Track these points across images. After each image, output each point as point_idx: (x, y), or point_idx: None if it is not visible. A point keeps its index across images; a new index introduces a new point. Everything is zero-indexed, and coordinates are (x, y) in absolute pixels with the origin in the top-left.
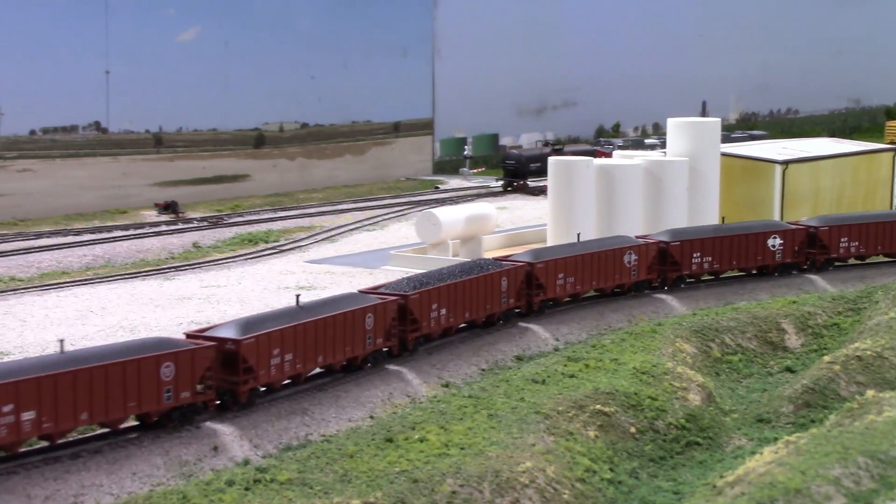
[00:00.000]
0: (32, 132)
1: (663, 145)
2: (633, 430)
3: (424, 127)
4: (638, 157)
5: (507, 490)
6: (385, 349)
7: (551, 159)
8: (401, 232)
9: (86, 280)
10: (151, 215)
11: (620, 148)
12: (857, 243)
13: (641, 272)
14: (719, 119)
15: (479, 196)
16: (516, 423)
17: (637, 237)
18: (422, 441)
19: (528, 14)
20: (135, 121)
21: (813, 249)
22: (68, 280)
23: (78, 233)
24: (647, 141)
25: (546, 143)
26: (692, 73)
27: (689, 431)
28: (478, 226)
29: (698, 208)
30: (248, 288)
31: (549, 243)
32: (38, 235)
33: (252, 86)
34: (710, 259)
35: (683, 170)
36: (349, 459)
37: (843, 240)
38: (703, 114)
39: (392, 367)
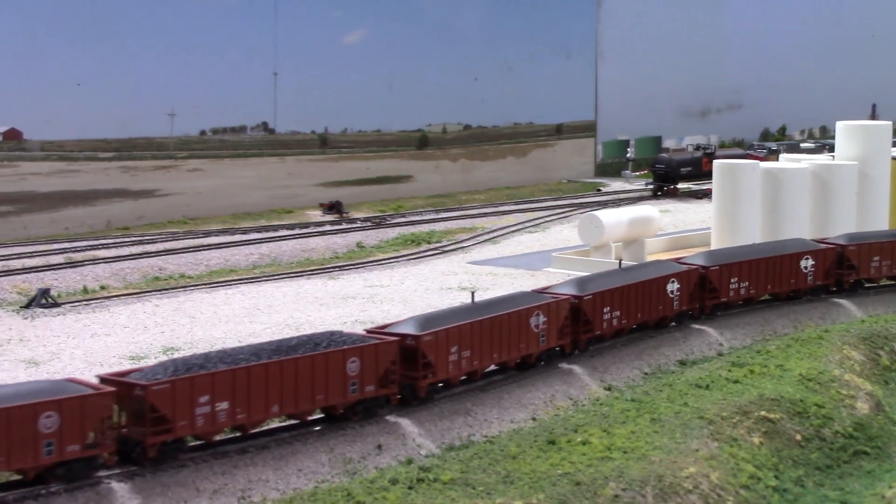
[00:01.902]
0: (202, 132)
1: (822, 149)
2: (798, 437)
3: (587, 129)
4: (805, 161)
5: (671, 495)
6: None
7: (716, 162)
8: (562, 234)
9: (253, 278)
10: (316, 215)
11: (773, 152)
12: None
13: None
14: (890, 122)
15: (640, 199)
16: (679, 428)
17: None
18: (584, 444)
19: (691, 15)
20: (301, 122)
21: None
22: (236, 278)
23: (245, 232)
24: (804, 145)
25: (697, 147)
26: (862, 74)
27: (856, 440)
28: (641, 228)
29: (868, 213)
30: (410, 288)
31: (714, 247)
32: (207, 234)
33: (416, 87)
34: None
35: (852, 174)
36: (511, 460)
37: None
38: (873, 117)
39: (564, 365)
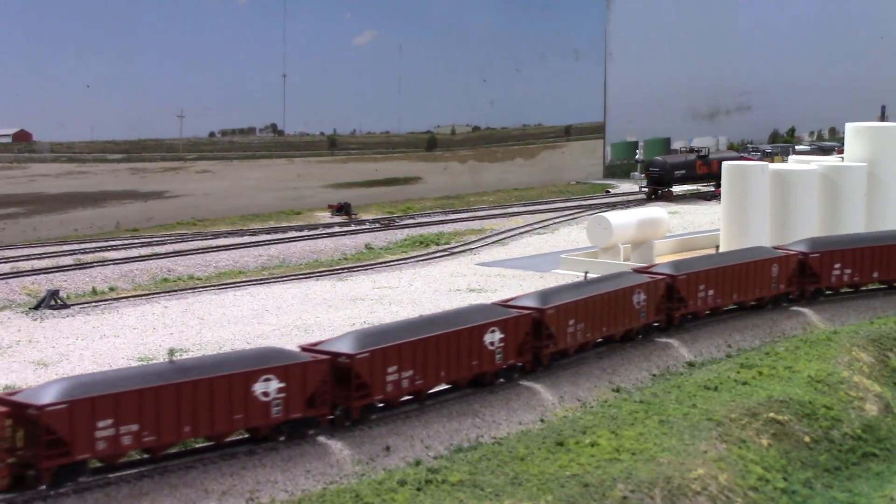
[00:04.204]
0: (211, 134)
1: (816, 151)
2: (807, 439)
3: (596, 131)
4: (814, 163)
5: (679, 497)
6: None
7: (725, 164)
8: (571, 235)
9: (261, 279)
10: (325, 216)
11: (767, 155)
12: None
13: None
14: None
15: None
16: (688, 430)
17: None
18: (593, 445)
19: (701, 17)
20: (310, 123)
21: None
22: (244, 279)
23: (254, 233)
24: (799, 147)
25: (691, 150)
26: (871, 75)
27: (865, 442)
28: (650, 230)
29: (877, 215)
30: (419, 289)
31: (723, 249)
32: (216, 235)
33: (425, 89)
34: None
35: (862, 176)
36: (520, 462)
37: None
38: (882, 118)
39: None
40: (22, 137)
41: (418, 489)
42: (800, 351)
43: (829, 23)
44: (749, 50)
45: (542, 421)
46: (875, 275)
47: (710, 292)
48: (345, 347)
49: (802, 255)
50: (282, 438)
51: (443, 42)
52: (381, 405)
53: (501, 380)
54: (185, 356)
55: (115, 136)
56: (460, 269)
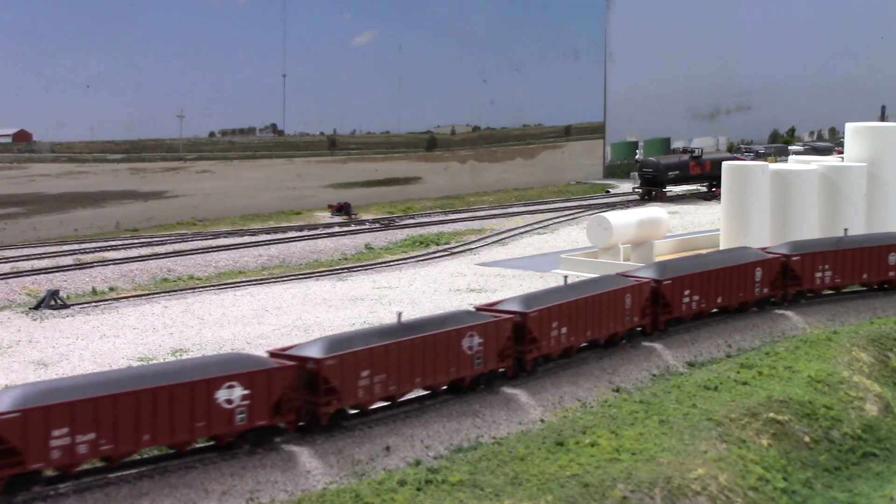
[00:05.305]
0: (211, 134)
1: (810, 152)
2: (807, 439)
3: (596, 130)
4: (814, 163)
5: (679, 497)
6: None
7: (725, 164)
8: (571, 235)
9: (261, 280)
10: (325, 216)
11: (760, 155)
12: None
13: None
14: None
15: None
16: (688, 430)
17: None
18: (593, 445)
19: (701, 17)
20: (310, 123)
21: None
22: (244, 279)
23: (254, 233)
24: (792, 147)
25: (684, 151)
26: (871, 75)
27: (865, 442)
28: (649, 230)
29: (877, 215)
30: (419, 289)
31: (722, 248)
32: (216, 235)
33: (425, 89)
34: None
35: (862, 176)
36: (520, 462)
37: None
38: (882, 118)
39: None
40: (22, 137)
41: (418, 489)
42: (800, 351)
43: (829, 23)
44: (749, 50)
45: (542, 421)
46: (840, 280)
47: (696, 297)
48: (313, 352)
49: (785, 258)
50: (246, 447)
51: (443, 42)
52: (355, 411)
53: (482, 386)
54: (186, 356)
55: (115, 136)
56: (460, 269)
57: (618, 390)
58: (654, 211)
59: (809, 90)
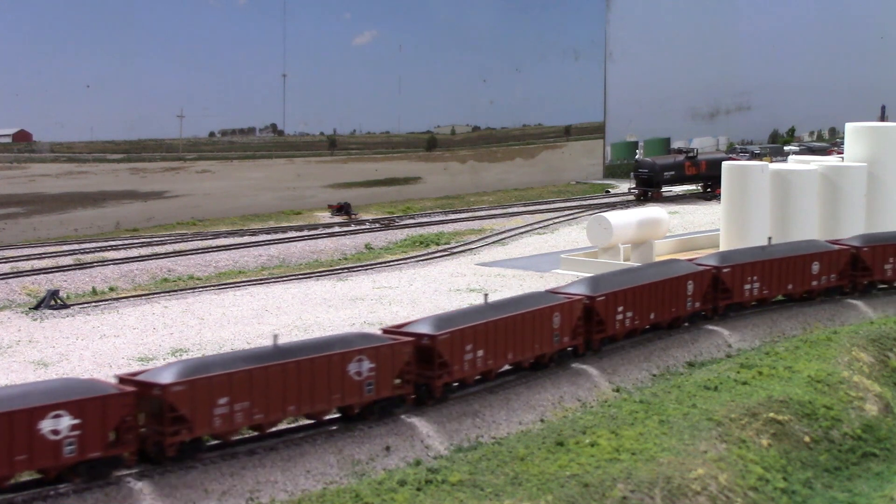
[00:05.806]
0: (211, 134)
1: (806, 152)
2: (807, 439)
3: (596, 131)
4: (814, 163)
5: (679, 497)
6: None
7: (725, 164)
8: (571, 236)
9: (261, 280)
10: (325, 216)
11: (756, 155)
12: None
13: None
14: None
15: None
16: (688, 430)
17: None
18: (593, 445)
19: (701, 17)
20: (310, 123)
21: None
22: (244, 279)
23: (254, 233)
24: (787, 147)
25: (679, 151)
26: (871, 76)
27: (865, 442)
28: (649, 230)
29: (877, 215)
30: (419, 290)
31: (722, 248)
32: (216, 235)
33: (425, 89)
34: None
35: (862, 176)
36: (520, 462)
37: None
38: (882, 118)
39: (576, 365)
40: (22, 137)
41: (418, 489)
42: (800, 351)
43: (829, 23)
44: (749, 50)
45: (542, 421)
46: (767, 291)
47: (629, 314)
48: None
49: (715, 270)
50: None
51: (443, 42)
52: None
53: (374, 415)
54: (186, 356)
55: (115, 136)
56: (460, 269)
57: (618, 390)
58: (655, 211)
59: (809, 90)
